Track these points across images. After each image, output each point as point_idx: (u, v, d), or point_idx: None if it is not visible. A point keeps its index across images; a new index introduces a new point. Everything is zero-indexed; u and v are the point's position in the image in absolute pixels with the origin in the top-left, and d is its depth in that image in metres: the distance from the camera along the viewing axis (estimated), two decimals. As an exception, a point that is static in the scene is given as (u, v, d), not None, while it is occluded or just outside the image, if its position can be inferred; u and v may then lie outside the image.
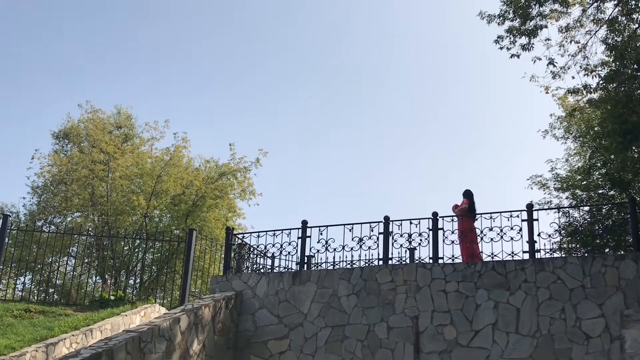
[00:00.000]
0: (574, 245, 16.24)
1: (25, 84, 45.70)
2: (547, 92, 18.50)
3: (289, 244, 14.21)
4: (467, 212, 13.81)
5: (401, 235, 13.48)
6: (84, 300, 16.42)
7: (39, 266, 18.82)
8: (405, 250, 13.68)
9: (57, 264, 19.81)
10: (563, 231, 13.75)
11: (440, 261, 12.92)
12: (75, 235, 17.98)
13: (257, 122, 49.72)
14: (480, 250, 13.41)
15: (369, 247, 13.56)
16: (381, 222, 13.67)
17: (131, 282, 25.28)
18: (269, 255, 14.95)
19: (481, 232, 12.84)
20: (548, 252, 12.46)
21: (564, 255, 12.69)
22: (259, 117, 49.84)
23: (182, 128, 55.87)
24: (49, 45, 46.67)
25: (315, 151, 51.95)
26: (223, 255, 15.40)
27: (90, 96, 54.20)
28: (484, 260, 12.60)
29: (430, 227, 13.26)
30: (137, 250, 25.71)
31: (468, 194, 14.27)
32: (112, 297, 15.15)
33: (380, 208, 53.60)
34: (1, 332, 11.62)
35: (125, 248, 25.57)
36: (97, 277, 24.50)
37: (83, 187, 26.02)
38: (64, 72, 47.46)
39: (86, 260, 22.13)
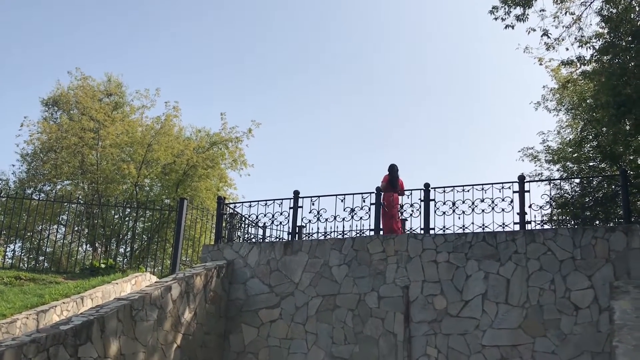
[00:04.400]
0: (564, 217, 16.30)
1: (13, 49, 45.16)
2: (540, 64, 18.50)
3: (281, 214, 14.19)
4: (387, 187, 14.14)
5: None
6: (75, 268, 16.41)
7: (28, 234, 18.73)
8: (397, 221, 13.74)
9: (47, 231, 19.75)
10: (554, 203, 13.77)
11: (432, 232, 12.95)
12: (65, 203, 17.92)
13: (250, 93, 49.44)
14: (400, 226, 13.95)
15: (361, 218, 13.57)
16: (373, 192, 13.66)
17: (122, 250, 25.29)
18: (261, 225, 14.95)
19: (472, 203, 12.85)
20: (539, 224, 12.50)
21: (554, 227, 12.74)
22: (251, 88, 49.55)
23: (173, 97, 55.55)
24: (38, 11, 46.05)
25: (308, 122, 51.79)
26: (214, 225, 15.38)
27: (80, 64, 53.62)
28: (475, 231, 12.61)
29: (422, 198, 13.27)
30: (127, 218, 25.67)
31: (390, 169, 14.57)
32: (103, 265, 15.15)
33: (373, 179, 53.66)
34: (-9, 299, 11.59)
35: (115, 216, 25.51)
36: (88, 246, 24.48)
37: (73, 155, 25.86)
38: (53, 39, 46.91)
39: (76, 229, 22.06)
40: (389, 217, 13.81)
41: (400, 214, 13.95)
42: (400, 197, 14.17)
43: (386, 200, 13.91)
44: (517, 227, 12.44)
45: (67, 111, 28.04)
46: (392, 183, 14.33)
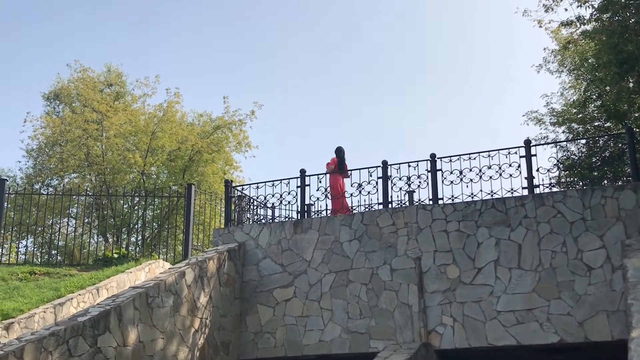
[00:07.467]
0: (572, 178, 16.28)
1: (10, 44, 45.04)
2: (540, 26, 18.34)
3: (289, 193, 14.25)
4: (336, 169, 14.68)
5: (400, 179, 13.53)
6: (88, 260, 16.53)
7: (39, 229, 18.84)
8: (405, 193, 13.79)
9: (57, 225, 19.85)
10: (561, 165, 13.77)
11: (440, 202, 12.97)
12: (74, 196, 18.00)
13: (251, 76, 49.24)
14: (347, 204, 14.32)
15: (369, 192, 13.61)
16: (379, 166, 13.67)
17: (133, 239, 25.41)
18: (269, 205, 15.01)
19: (480, 170, 12.85)
20: (547, 187, 12.51)
21: (563, 189, 12.74)
22: (252, 70, 49.34)
23: (173, 83, 55.45)
24: (33, 5, 45.81)
25: (310, 99, 51.65)
26: (223, 208, 15.45)
27: (78, 54, 53.44)
28: (483, 198, 12.61)
29: (429, 169, 13.28)
30: (136, 207, 25.78)
31: (337, 151, 15.08)
32: (116, 255, 15.26)
33: (378, 153, 53.68)
34: (8, 295, 11.72)
35: (124, 206, 25.62)
36: (99, 237, 24.60)
37: (78, 148, 25.91)
38: (51, 31, 46.75)
39: (86, 220, 22.18)
40: (332, 197, 14.24)
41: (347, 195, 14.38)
42: (345, 180, 14.71)
43: (333, 182, 14.38)
44: (525, 192, 12.46)
45: (69, 104, 28.06)
46: (339, 165, 14.69)
